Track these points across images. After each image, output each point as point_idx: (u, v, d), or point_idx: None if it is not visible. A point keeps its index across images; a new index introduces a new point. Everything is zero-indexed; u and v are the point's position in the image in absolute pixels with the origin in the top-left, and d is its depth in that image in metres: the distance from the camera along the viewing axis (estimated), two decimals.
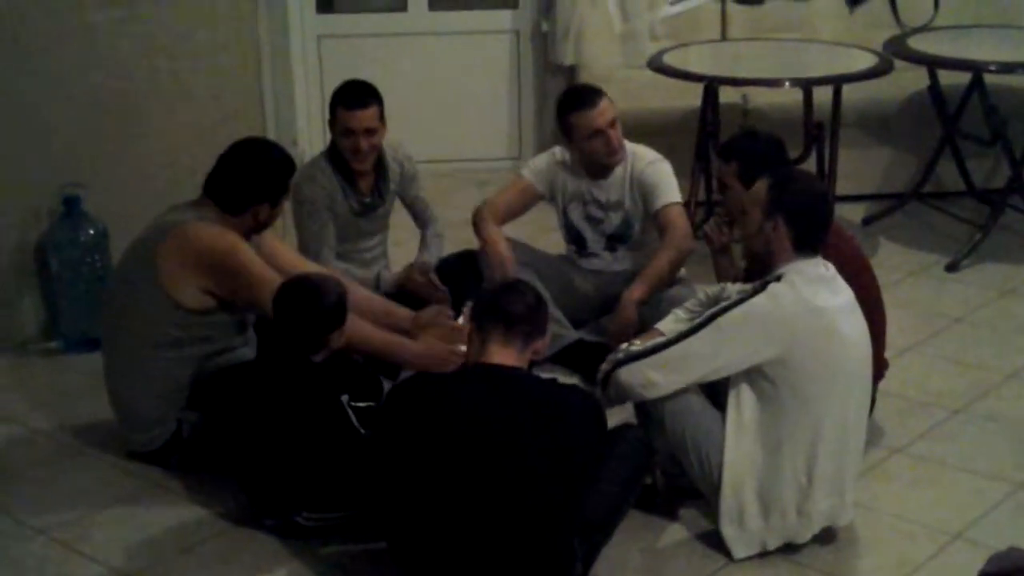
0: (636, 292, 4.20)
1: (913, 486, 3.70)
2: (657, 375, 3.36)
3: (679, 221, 4.33)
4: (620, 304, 4.21)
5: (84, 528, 3.53)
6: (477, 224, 4.46)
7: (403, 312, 4.13)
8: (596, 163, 4.34)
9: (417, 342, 3.86)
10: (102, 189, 4.60)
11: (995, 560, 2.57)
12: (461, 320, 3.98)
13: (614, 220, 4.44)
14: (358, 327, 3.65)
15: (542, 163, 4.55)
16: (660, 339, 3.42)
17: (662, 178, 4.37)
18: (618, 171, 4.40)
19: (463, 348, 3.74)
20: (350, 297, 3.77)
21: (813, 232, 3.35)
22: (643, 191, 4.37)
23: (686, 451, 3.40)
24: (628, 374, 3.38)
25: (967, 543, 3.41)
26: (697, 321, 3.37)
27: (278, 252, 3.98)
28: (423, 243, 4.66)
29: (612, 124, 4.27)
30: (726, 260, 4.01)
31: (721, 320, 3.30)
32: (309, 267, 4.04)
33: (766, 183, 3.38)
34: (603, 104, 4.26)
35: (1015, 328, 4.74)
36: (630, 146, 4.43)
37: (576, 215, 4.49)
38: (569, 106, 4.30)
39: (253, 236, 3.78)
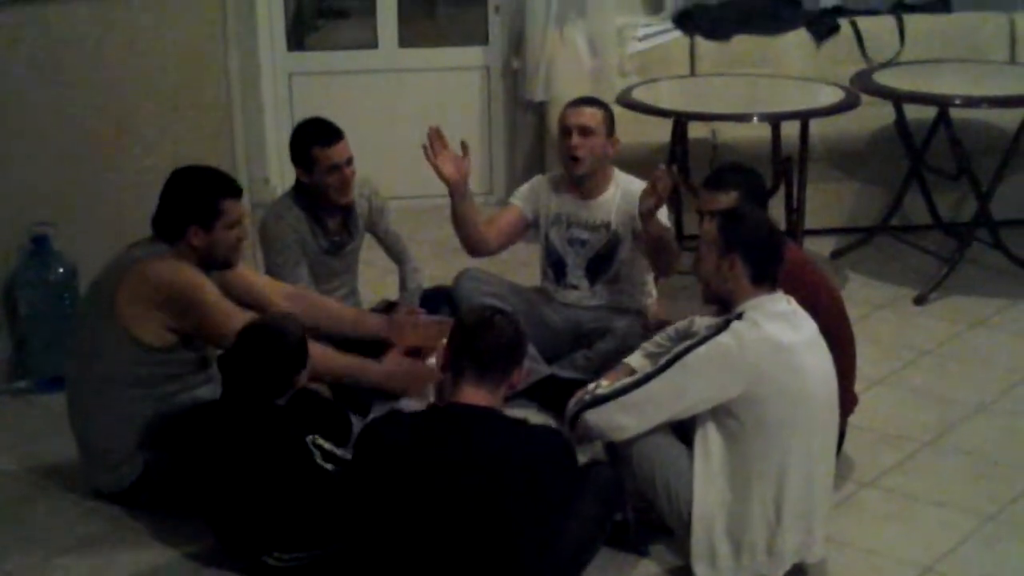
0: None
1: (883, 519, 3.71)
2: (624, 418, 3.36)
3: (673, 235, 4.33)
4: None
5: (51, 569, 3.50)
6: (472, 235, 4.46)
7: (375, 320, 4.18)
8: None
9: (382, 363, 3.84)
10: (71, 228, 4.59)
11: None
12: (432, 360, 3.98)
13: (598, 241, 4.44)
14: (319, 356, 3.65)
15: (527, 186, 4.59)
16: (625, 381, 3.42)
17: None
18: (608, 193, 4.42)
19: (431, 361, 3.77)
20: (320, 311, 3.94)
21: (769, 265, 3.36)
22: (634, 215, 4.36)
23: (655, 490, 3.40)
24: (595, 417, 3.39)
25: None
26: (661, 362, 3.37)
27: (250, 281, 3.99)
28: (403, 282, 4.65)
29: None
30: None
31: (685, 360, 3.30)
32: (283, 289, 4.08)
33: (716, 223, 3.40)
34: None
35: (983, 361, 4.77)
36: (619, 173, 4.46)
37: (558, 237, 4.49)
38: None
39: (214, 272, 3.74)
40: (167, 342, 3.63)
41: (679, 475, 3.37)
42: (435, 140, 4.24)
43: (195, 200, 3.65)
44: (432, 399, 3.73)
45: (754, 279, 3.34)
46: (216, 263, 3.71)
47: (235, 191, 3.72)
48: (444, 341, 3.38)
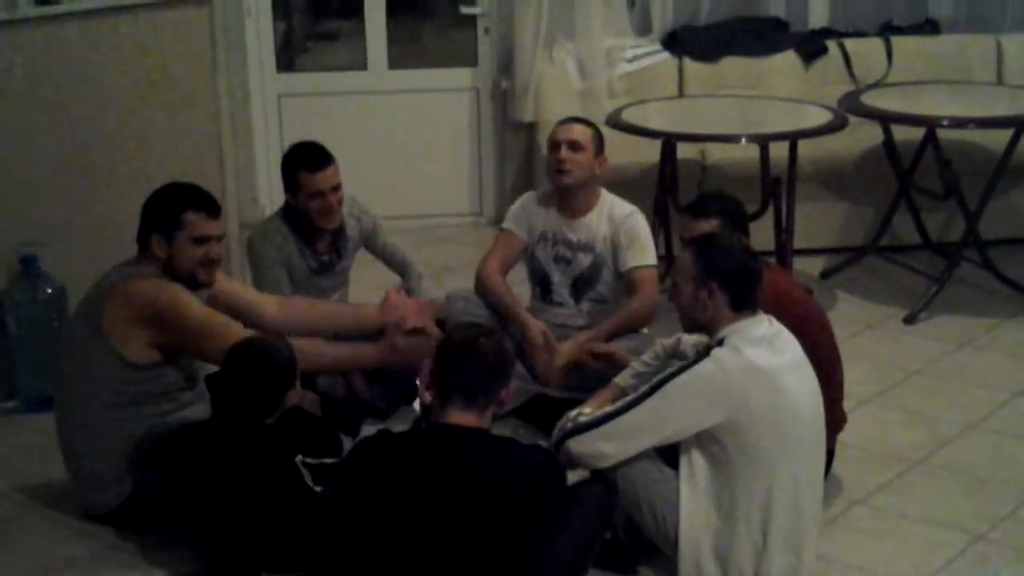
0: (570, 347, 4.25)
1: (873, 538, 3.71)
2: (606, 446, 3.35)
3: (648, 288, 4.34)
4: (556, 352, 4.24)
5: None
6: (488, 295, 4.46)
7: (369, 310, 4.17)
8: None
9: (374, 344, 3.83)
10: (60, 248, 4.58)
11: None
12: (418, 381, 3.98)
13: (583, 262, 4.44)
14: (310, 351, 3.69)
15: (516, 207, 4.59)
16: (607, 409, 3.40)
17: (639, 235, 4.38)
18: (593, 214, 4.42)
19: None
20: (314, 314, 4.00)
21: (747, 290, 3.35)
22: (618, 243, 4.37)
23: (641, 513, 3.39)
24: (578, 445, 3.37)
25: None
26: (642, 390, 3.35)
27: (241, 296, 4.00)
28: (409, 292, 4.58)
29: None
30: None
31: (667, 388, 3.29)
32: (273, 299, 4.09)
33: (690, 253, 3.39)
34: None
35: (972, 380, 4.78)
36: (607, 195, 4.47)
37: (543, 255, 4.49)
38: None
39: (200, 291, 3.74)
40: (153, 360, 3.62)
41: (665, 498, 3.36)
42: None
43: (160, 209, 3.66)
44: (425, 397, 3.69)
45: (734, 305, 3.32)
46: (178, 278, 3.65)
47: (206, 206, 3.67)
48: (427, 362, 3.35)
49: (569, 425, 3.42)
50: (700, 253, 3.37)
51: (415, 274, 4.64)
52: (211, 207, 3.69)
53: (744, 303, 3.33)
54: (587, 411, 3.48)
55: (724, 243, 3.47)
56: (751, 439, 3.25)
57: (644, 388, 3.36)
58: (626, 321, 4.31)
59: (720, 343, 3.30)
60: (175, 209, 3.64)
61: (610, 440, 3.34)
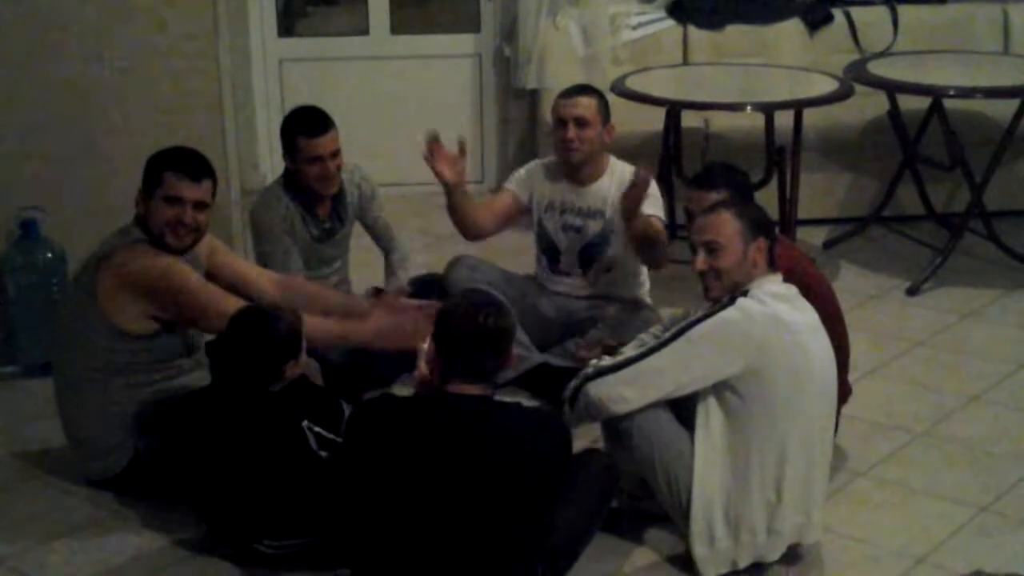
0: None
1: (877, 510, 3.71)
2: (627, 390, 3.34)
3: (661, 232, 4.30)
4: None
5: (41, 556, 3.48)
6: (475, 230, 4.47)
7: (363, 303, 4.15)
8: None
9: (369, 321, 3.77)
10: (60, 213, 4.56)
11: None
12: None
13: (592, 229, 4.42)
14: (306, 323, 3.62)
15: (522, 171, 4.57)
16: (629, 354, 3.40)
17: (650, 193, 4.36)
18: (603, 179, 4.40)
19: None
20: (309, 299, 3.91)
21: (776, 243, 3.40)
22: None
23: (654, 472, 3.38)
24: (598, 389, 3.36)
25: (931, 567, 3.41)
26: (666, 336, 3.36)
27: (236, 268, 3.98)
28: (389, 269, 4.61)
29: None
30: None
31: (691, 333, 3.30)
32: (270, 275, 4.06)
33: (731, 212, 3.37)
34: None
35: (976, 351, 4.77)
36: (616, 161, 4.44)
37: (551, 224, 4.47)
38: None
39: (197, 260, 3.72)
40: (149, 329, 3.61)
41: (679, 457, 3.35)
42: (432, 145, 4.20)
43: (146, 167, 3.67)
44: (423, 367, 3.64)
45: (770, 260, 3.37)
46: (153, 238, 3.63)
47: (185, 168, 3.64)
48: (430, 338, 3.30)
49: (590, 370, 3.41)
50: (741, 211, 3.37)
51: (399, 257, 4.61)
52: (191, 170, 3.65)
53: (774, 256, 3.36)
54: (607, 359, 3.46)
55: (746, 200, 3.50)
56: (770, 389, 3.27)
57: (668, 334, 3.37)
58: (652, 233, 4.17)
59: (744, 294, 3.32)
60: (157, 168, 3.65)
61: (631, 384, 3.34)
